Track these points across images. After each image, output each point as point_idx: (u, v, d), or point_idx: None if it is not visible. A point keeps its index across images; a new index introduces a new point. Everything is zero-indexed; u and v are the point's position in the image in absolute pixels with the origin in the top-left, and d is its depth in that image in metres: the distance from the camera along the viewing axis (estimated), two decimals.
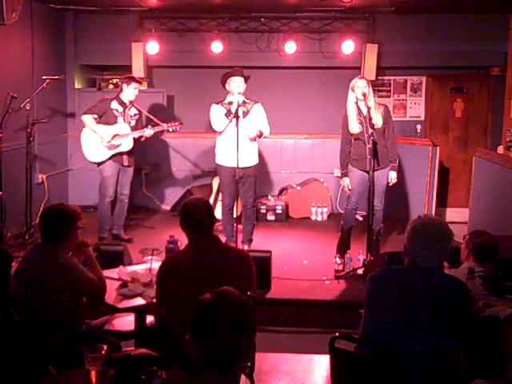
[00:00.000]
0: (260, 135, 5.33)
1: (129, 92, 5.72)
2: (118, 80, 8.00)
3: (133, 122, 5.79)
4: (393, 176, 5.12)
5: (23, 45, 6.32)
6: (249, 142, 5.27)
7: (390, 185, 5.14)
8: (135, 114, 5.83)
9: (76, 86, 7.66)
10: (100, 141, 5.66)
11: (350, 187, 5.18)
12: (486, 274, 3.22)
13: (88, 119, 5.68)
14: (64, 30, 7.46)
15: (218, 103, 5.36)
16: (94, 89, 7.68)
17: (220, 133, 5.34)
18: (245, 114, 5.25)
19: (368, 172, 5.06)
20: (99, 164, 5.75)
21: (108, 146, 5.66)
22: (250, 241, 5.56)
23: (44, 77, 5.95)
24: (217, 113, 5.30)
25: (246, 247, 5.41)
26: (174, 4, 6.95)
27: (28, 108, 5.69)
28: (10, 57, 6.00)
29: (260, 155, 5.69)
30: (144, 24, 7.57)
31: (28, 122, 5.78)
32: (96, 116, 5.68)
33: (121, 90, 5.79)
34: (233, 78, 5.21)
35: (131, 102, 5.78)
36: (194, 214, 2.97)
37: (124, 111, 5.74)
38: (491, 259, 3.34)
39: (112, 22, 7.53)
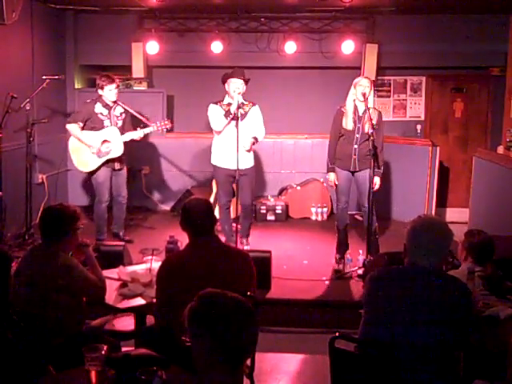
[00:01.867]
0: (255, 142, 5.31)
1: (107, 95, 5.54)
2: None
3: (120, 123, 5.63)
4: (377, 182, 5.07)
5: (23, 45, 6.31)
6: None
7: (374, 190, 5.05)
8: (121, 113, 5.67)
9: (76, 86, 7.66)
10: (89, 149, 5.53)
11: (336, 182, 5.21)
12: (485, 274, 3.22)
13: (73, 128, 5.54)
14: (64, 30, 7.46)
15: (216, 103, 5.34)
16: (93, 89, 7.59)
17: (218, 132, 5.33)
18: (242, 116, 5.20)
19: (353, 173, 5.15)
20: (90, 173, 5.63)
21: (97, 154, 5.53)
22: (247, 235, 5.55)
23: (44, 77, 5.94)
24: (215, 113, 5.28)
25: (244, 241, 5.43)
26: (174, 4, 6.94)
27: (28, 108, 5.67)
28: (10, 57, 5.99)
29: (260, 155, 5.69)
30: (144, 24, 7.58)
31: (28, 122, 5.77)
32: (81, 124, 5.53)
33: (99, 95, 5.60)
34: (232, 80, 5.18)
35: (115, 102, 5.62)
36: (194, 214, 2.98)
37: (109, 113, 5.59)
38: (489, 258, 3.32)
39: (112, 22, 7.54)
